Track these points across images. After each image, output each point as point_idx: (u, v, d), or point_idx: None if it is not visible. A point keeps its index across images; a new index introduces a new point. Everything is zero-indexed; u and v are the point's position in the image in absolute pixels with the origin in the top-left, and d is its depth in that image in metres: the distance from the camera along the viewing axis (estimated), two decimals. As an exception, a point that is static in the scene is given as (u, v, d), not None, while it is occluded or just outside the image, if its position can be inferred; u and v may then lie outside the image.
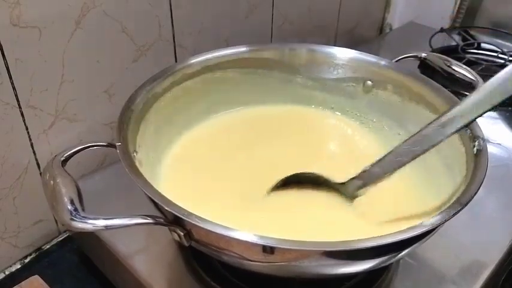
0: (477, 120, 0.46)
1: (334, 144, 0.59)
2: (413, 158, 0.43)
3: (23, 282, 0.48)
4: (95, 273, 0.55)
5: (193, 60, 0.54)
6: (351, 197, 0.47)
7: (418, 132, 0.43)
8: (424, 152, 0.42)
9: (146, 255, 0.49)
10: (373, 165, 0.45)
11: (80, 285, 0.54)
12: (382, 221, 0.45)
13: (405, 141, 0.43)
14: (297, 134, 0.58)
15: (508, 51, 0.87)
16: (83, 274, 0.55)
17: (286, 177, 0.48)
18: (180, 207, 0.35)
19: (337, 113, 0.60)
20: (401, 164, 0.43)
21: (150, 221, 0.37)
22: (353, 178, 0.46)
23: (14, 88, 0.49)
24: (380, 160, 0.45)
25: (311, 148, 0.56)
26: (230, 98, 0.59)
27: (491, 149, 0.46)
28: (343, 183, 0.47)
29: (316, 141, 0.58)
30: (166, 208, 0.35)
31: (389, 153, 0.44)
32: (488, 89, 0.40)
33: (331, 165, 0.53)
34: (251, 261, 0.37)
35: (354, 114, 0.59)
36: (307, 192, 0.49)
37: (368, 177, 0.45)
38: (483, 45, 0.92)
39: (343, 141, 0.59)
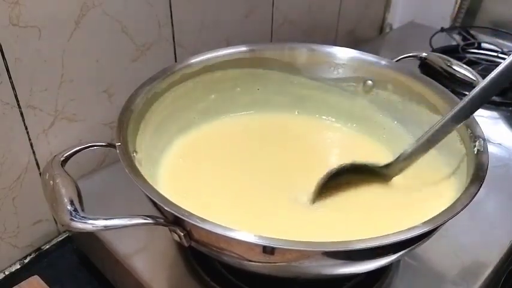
0: (477, 120, 0.46)
1: (336, 149, 0.59)
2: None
3: (22, 282, 0.48)
4: (94, 274, 0.55)
5: (193, 60, 0.54)
6: (390, 177, 0.49)
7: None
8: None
9: (146, 255, 0.49)
10: (412, 146, 0.47)
11: (80, 285, 0.54)
12: (382, 221, 0.45)
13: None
14: (298, 133, 0.58)
15: (508, 51, 0.87)
16: (83, 274, 0.55)
17: (325, 179, 0.47)
18: (180, 207, 0.35)
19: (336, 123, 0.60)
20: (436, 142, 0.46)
21: (150, 221, 0.37)
22: (397, 159, 0.48)
23: (13, 88, 0.49)
24: (418, 140, 0.47)
25: (313, 149, 0.56)
26: (230, 98, 0.59)
27: (491, 149, 0.46)
28: (387, 165, 0.49)
29: (317, 144, 0.58)
30: (166, 208, 0.35)
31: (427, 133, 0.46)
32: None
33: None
34: (251, 261, 0.36)
35: (353, 116, 0.59)
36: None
37: (409, 159, 0.48)
38: (483, 45, 0.92)
39: (344, 146, 0.58)
